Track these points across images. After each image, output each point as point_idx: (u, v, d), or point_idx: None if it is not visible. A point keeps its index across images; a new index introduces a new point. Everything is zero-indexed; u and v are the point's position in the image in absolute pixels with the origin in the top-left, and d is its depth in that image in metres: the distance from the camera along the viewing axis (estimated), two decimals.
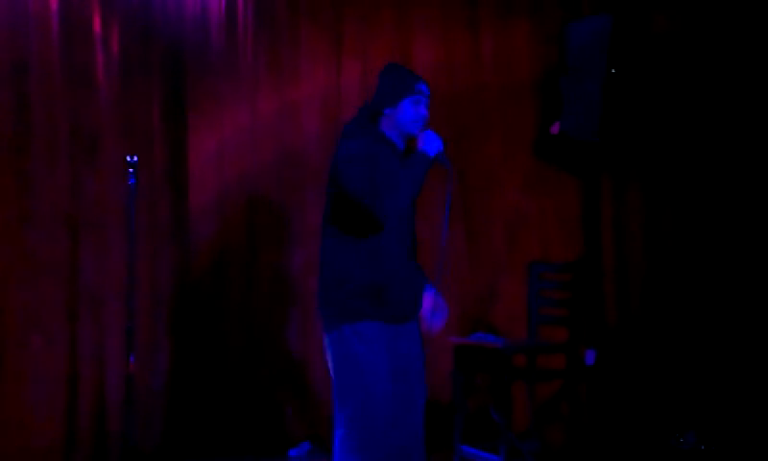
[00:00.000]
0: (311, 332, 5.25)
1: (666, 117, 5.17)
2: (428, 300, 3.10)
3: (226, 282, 5.33)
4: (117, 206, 4.76)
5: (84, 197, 4.81)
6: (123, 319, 4.46)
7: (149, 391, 4.96)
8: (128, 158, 4.13)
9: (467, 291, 5.34)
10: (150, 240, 5.01)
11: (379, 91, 3.05)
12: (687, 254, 5.16)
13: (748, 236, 4.99)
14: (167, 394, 5.11)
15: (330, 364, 2.95)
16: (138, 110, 5.06)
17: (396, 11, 5.47)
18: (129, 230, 4.13)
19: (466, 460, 4.64)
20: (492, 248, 5.40)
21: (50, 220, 4.69)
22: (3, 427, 4.52)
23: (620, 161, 5.34)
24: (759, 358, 4.81)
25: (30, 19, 4.72)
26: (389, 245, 2.93)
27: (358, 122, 3.06)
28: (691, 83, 5.13)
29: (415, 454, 2.97)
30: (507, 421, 4.38)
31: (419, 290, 3.06)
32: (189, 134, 5.33)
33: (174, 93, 5.27)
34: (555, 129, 5.14)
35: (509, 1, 5.49)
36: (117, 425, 4.74)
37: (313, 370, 5.27)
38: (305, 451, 5.16)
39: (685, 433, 4.74)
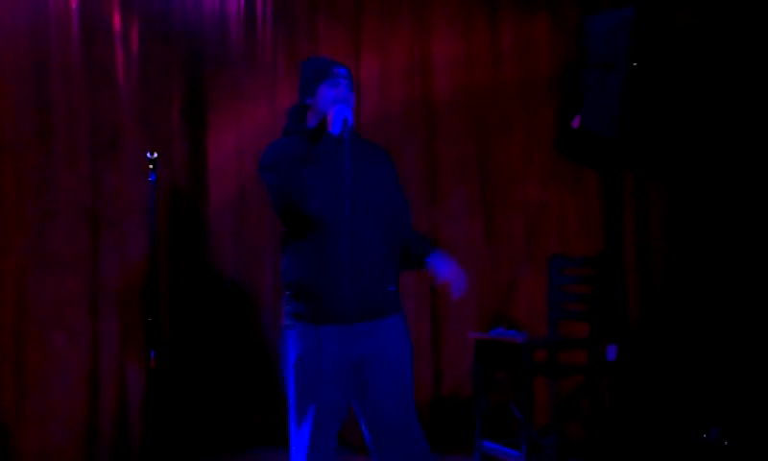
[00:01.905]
0: None
1: (689, 111, 5.12)
2: (444, 266, 2.90)
3: (246, 278, 5.34)
4: (138, 202, 4.79)
5: (105, 193, 4.84)
6: (143, 314, 4.49)
7: (170, 387, 4.97)
8: (148, 155, 4.16)
9: (487, 286, 5.31)
10: (169, 236, 5.03)
11: (300, 86, 3.01)
12: (710, 248, 5.11)
13: None
14: (189, 390, 5.12)
15: None
16: (158, 107, 5.09)
17: (414, 5, 5.45)
18: (149, 225, 4.15)
19: (486, 455, 4.62)
20: (512, 243, 5.37)
21: (71, 216, 4.73)
22: (24, 423, 4.56)
23: (642, 156, 5.29)
24: None
25: (50, 18, 4.77)
26: (333, 244, 2.78)
27: (287, 124, 3.01)
28: (714, 76, 5.08)
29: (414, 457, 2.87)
30: (528, 416, 4.36)
31: (372, 290, 2.84)
32: (208, 131, 5.35)
33: (193, 90, 5.30)
34: (576, 123, 5.10)
35: None
36: (139, 421, 4.77)
37: None
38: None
39: (709, 429, 4.69)
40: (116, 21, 4.95)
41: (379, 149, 3.05)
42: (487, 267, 5.33)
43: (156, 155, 4.20)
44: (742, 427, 4.67)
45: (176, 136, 5.18)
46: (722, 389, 4.91)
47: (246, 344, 5.31)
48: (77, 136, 4.79)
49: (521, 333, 4.59)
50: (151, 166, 4.18)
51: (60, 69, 4.77)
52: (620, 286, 5.18)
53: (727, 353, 4.94)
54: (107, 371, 4.76)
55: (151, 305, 4.26)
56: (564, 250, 5.24)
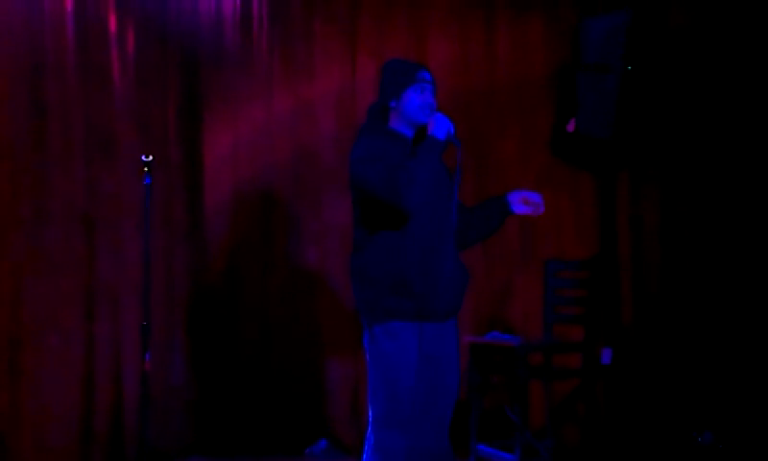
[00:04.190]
0: (326, 330, 5.25)
1: (683, 114, 5.13)
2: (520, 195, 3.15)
3: (240, 281, 5.33)
4: (133, 204, 4.77)
5: (100, 195, 4.83)
6: (139, 316, 4.48)
7: (165, 389, 4.97)
8: (143, 157, 4.14)
9: (482, 289, 5.31)
10: (165, 238, 5.02)
11: (382, 87, 3.05)
12: (705, 252, 5.12)
13: (766, 232, 4.94)
14: (184, 392, 5.12)
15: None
16: (153, 109, 5.08)
17: (410, 7, 5.45)
18: (144, 228, 4.13)
19: (481, 459, 4.63)
20: (507, 246, 5.37)
21: (66, 218, 4.72)
22: (20, 425, 4.55)
23: (637, 159, 5.30)
24: None
25: (45, 19, 4.76)
26: (418, 240, 2.88)
27: (368, 123, 3.07)
28: (709, 78, 5.09)
29: (439, 457, 2.95)
30: (523, 419, 4.37)
31: (455, 285, 2.97)
32: (204, 133, 5.33)
33: (189, 92, 5.28)
34: (571, 126, 5.11)
35: None
36: (134, 423, 4.76)
37: (328, 367, 5.26)
38: (321, 449, 5.16)
39: (703, 432, 4.70)
40: (112, 22, 4.94)
41: None
42: (482, 270, 5.33)
43: (151, 157, 4.18)
44: (736, 430, 4.68)
45: (171, 138, 5.17)
46: (716, 392, 4.92)
47: (240, 345, 5.30)
48: (72, 138, 4.77)
49: (516, 337, 4.60)
50: (146, 168, 4.17)
51: (55, 71, 4.75)
52: (615, 290, 5.19)
53: (721, 357, 4.96)
54: (102, 373, 4.75)
55: (146, 308, 4.24)
56: (559, 253, 5.25)
